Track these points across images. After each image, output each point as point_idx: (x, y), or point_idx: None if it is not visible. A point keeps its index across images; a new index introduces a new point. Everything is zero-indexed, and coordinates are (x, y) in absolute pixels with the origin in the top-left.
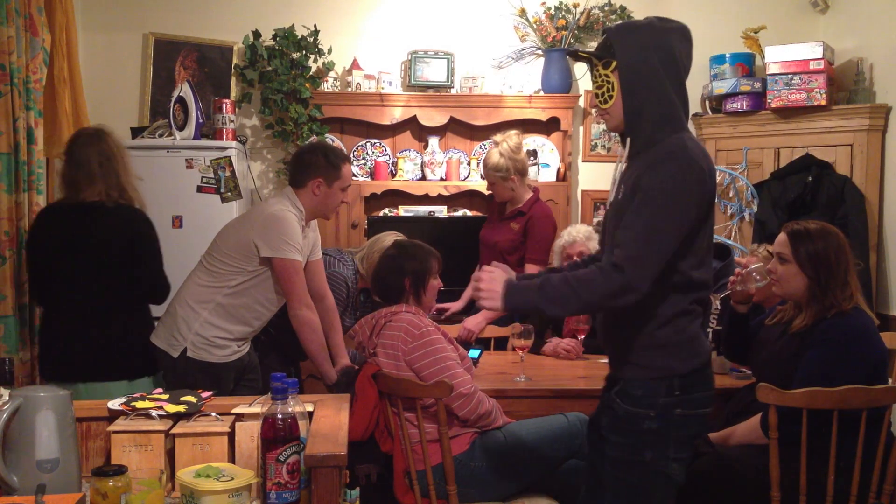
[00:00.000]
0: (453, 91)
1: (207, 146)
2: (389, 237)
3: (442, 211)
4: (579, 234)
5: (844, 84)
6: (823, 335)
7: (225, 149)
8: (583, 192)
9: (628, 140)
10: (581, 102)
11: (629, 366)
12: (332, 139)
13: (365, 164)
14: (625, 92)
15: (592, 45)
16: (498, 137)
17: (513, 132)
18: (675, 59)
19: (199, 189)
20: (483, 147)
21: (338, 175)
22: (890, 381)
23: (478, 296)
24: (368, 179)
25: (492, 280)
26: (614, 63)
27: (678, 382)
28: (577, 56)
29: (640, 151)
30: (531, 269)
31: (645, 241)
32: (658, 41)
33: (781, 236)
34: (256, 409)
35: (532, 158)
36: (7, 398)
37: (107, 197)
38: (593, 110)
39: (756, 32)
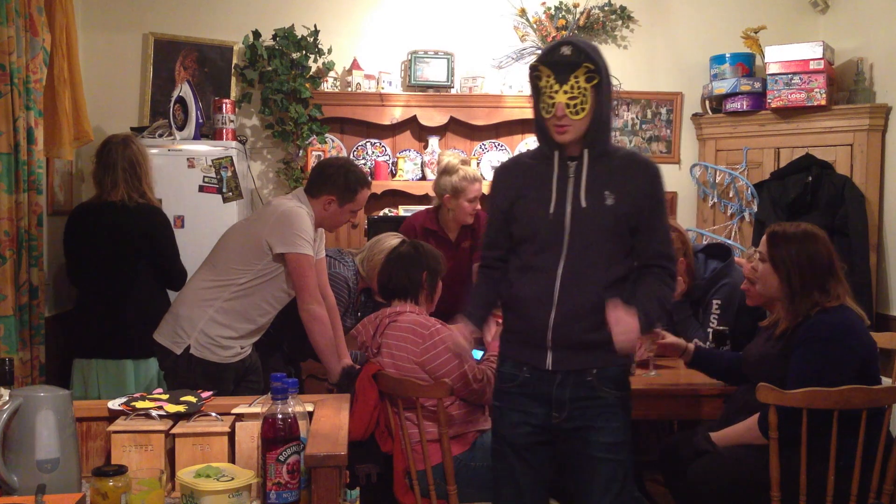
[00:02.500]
0: (453, 91)
1: (207, 146)
2: (390, 239)
3: None
4: None
5: (844, 84)
6: (808, 333)
7: (226, 149)
8: None
9: (586, 151)
10: None
11: (608, 354)
12: (332, 139)
13: (365, 164)
14: (599, 106)
15: (549, 45)
16: (455, 158)
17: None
18: None
19: (201, 189)
20: (483, 147)
21: (352, 198)
22: (890, 381)
23: (622, 340)
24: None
25: (628, 318)
26: (597, 79)
27: (629, 362)
28: (564, 64)
29: (596, 159)
30: None
31: (671, 240)
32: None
33: (764, 236)
34: (256, 409)
35: None
36: (7, 398)
37: (128, 198)
38: (550, 118)
39: (756, 32)
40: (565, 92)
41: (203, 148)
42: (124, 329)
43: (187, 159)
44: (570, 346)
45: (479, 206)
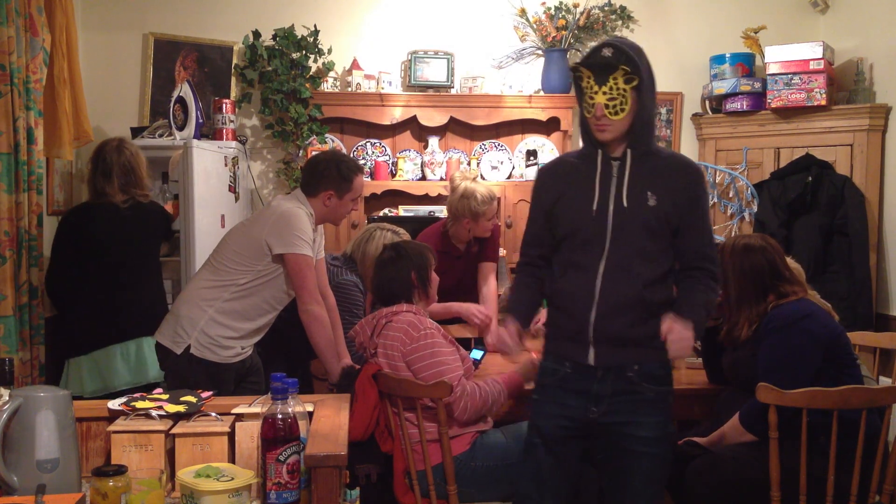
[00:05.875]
0: (453, 91)
1: (207, 146)
2: (377, 233)
3: (442, 211)
4: None
5: (844, 84)
6: (767, 326)
7: (227, 149)
8: None
9: (628, 151)
10: None
11: (649, 350)
12: (332, 139)
13: (365, 164)
14: (642, 107)
15: (592, 45)
16: (468, 179)
17: (458, 171)
18: None
19: (229, 188)
20: (483, 147)
21: (349, 188)
22: (889, 380)
23: (677, 348)
24: (368, 179)
25: (684, 329)
26: (636, 80)
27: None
28: (602, 66)
29: (638, 159)
30: (490, 266)
31: (713, 242)
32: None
33: None
34: (256, 409)
35: (532, 158)
36: (7, 398)
37: (132, 196)
38: (591, 117)
39: (756, 32)
40: (604, 93)
41: (224, 146)
42: (120, 316)
43: (224, 157)
44: (611, 341)
45: (496, 221)
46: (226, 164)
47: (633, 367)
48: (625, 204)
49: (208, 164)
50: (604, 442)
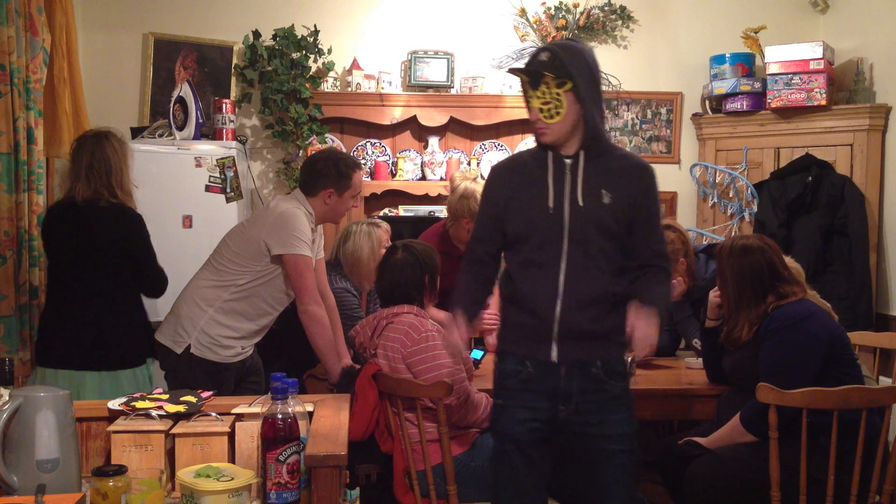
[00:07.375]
0: (453, 91)
1: (210, 146)
2: (354, 228)
3: (442, 211)
4: None
5: (844, 84)
6: (768, 327)
7: (228, 149)
8: None
9: (582, 152)
10: None
11: (611, 344)
12: (332, 139)
13: (365, 164)
14: (586, 109)
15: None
16: (469, 179)
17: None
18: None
19: (207, 188)
20: (483, 147)
21: (349, 185)
22: (889, 380)
23: (643, 345)
24: (368, 179)
25: (649, 325)
26: (569, 84)
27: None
28: (526, 73)
29: (592, 159)
30: None
31: (665, 240)
32: (595, 62)
33: None
34: (256, 409)
35: None
36: (7, 398)
37: (97, 197)
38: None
39: (756, 32)
40: (538, 97)
41: (208, 147)
42: (86, 337)
43: (195, 158)
44: (576, 336)
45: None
46: (198, 165)
47: (597, 363)
48: (580, 202)
49: (162, 166)
50: (573, 441)
